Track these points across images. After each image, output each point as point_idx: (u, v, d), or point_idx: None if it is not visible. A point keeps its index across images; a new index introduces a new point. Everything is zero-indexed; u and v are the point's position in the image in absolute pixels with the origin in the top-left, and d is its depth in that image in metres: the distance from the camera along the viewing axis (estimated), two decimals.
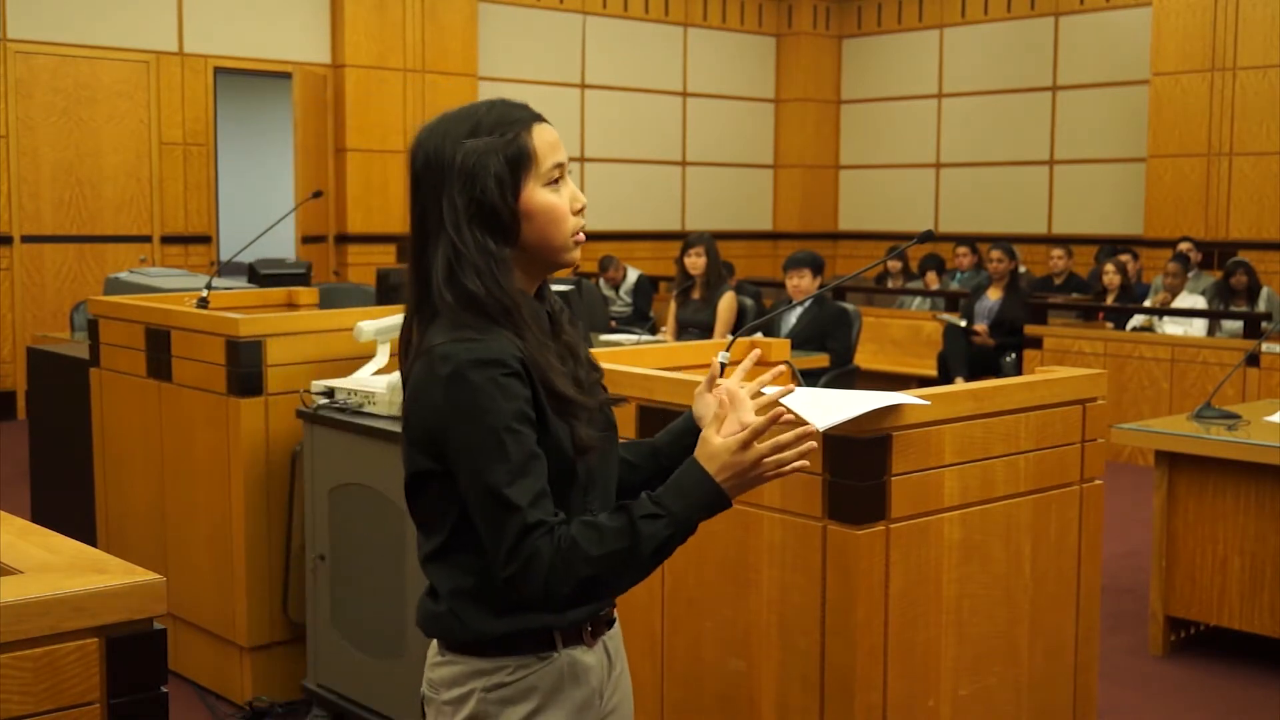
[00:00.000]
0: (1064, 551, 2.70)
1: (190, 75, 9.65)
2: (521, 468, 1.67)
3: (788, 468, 1.73)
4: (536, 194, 1.76)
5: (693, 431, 1.90)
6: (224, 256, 9.78)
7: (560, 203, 1.78)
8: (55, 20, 9.04)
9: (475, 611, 1.79)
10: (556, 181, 1.78)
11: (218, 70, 9.81)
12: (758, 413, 1.79)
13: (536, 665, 1.80)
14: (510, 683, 1.80)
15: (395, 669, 3.45)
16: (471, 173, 1.73)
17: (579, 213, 1.80)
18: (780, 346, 3.36)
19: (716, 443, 1.72)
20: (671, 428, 1.97)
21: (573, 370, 1.80)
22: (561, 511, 1.72)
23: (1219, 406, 4.76)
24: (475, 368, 1.68)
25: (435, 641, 1.87)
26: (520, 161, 1.75)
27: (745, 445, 1.71)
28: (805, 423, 1.88)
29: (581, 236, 1.81)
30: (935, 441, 2.40)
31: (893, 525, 2.34)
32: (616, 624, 1.94)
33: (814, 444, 1.75)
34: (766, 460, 1.72)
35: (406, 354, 1.81)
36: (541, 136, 1.77)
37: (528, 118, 1.78)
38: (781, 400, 2.25)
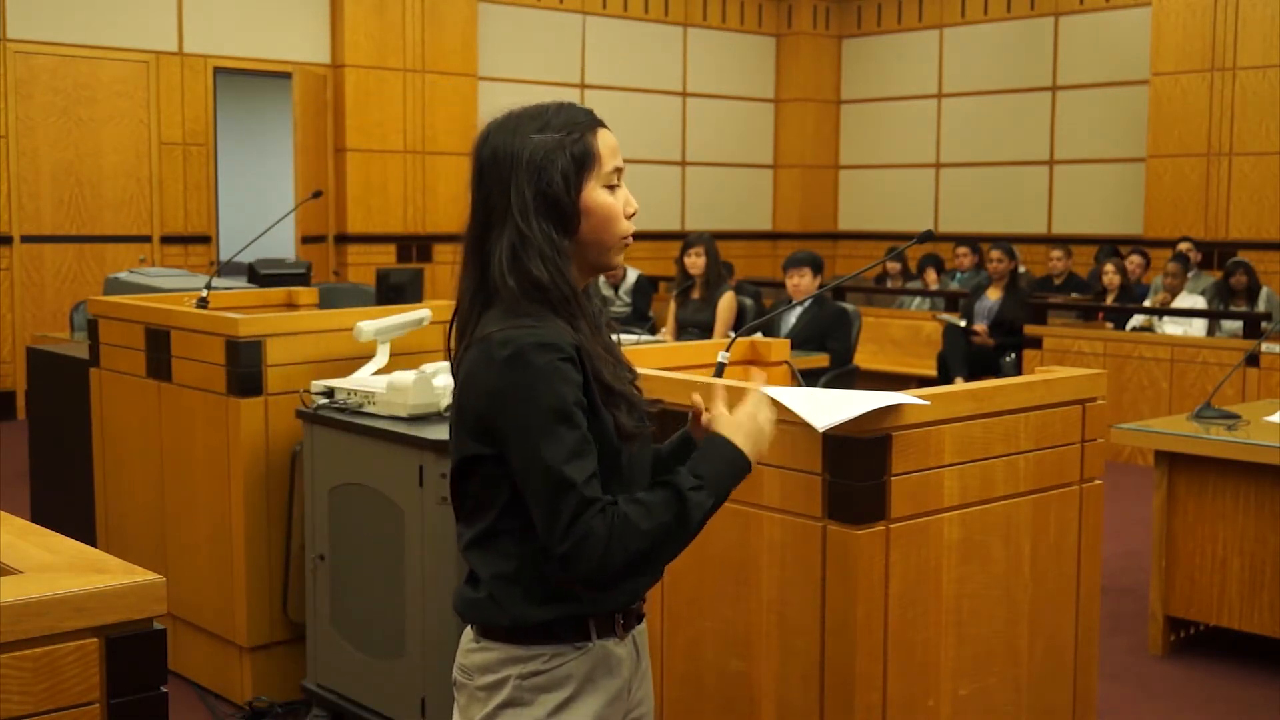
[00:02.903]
0: (1064, 551, 2.70)
1: (190, 75, 9.65)
2: (577, 448, 1.75)
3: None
4: (596, 193, 1.86)
5: (689, 442, 2.02)
6: (224, 256, 9.78)
7: (616, 204, 1.88)
8: (55, 20, 9.04)
9: (515, 597, 1.84)
10: (614, 185, 1.88)
11: (218, 70, 9.81)
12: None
13: (572, 654, 1.86)
14: (546, 670, 1.85)
15: (395, 669, 3.45)
16: (540, 165, 1.83)
17: (630, 217, 1.90)
18: (780, 346, 3.36)
19: (733, 416, 1.89)
20: (672, 440, 2.06)
21: (614, 365, 1.88)
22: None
23: (1219, 406, 4.76)
24: (536, 351, 1.75)
25: (470, 627, 1.91)
26: (585, 160, 1.85)
27: (757, 405, 1.90)
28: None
29: (629, 240, 1.90)
30: (935, 441, 2.40)
31: (893, 525, 2.34)
32: (644, 620, 1.99)
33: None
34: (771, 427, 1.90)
35: (460, 341, 1.88)
36: (605, 140, 1.88)
37: (592, 121, 1.89)
38: (781, 400, 2.27)
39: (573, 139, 1.85)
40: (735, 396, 1.98)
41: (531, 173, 1.83)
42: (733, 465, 1.86)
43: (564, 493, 1.74)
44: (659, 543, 1.78)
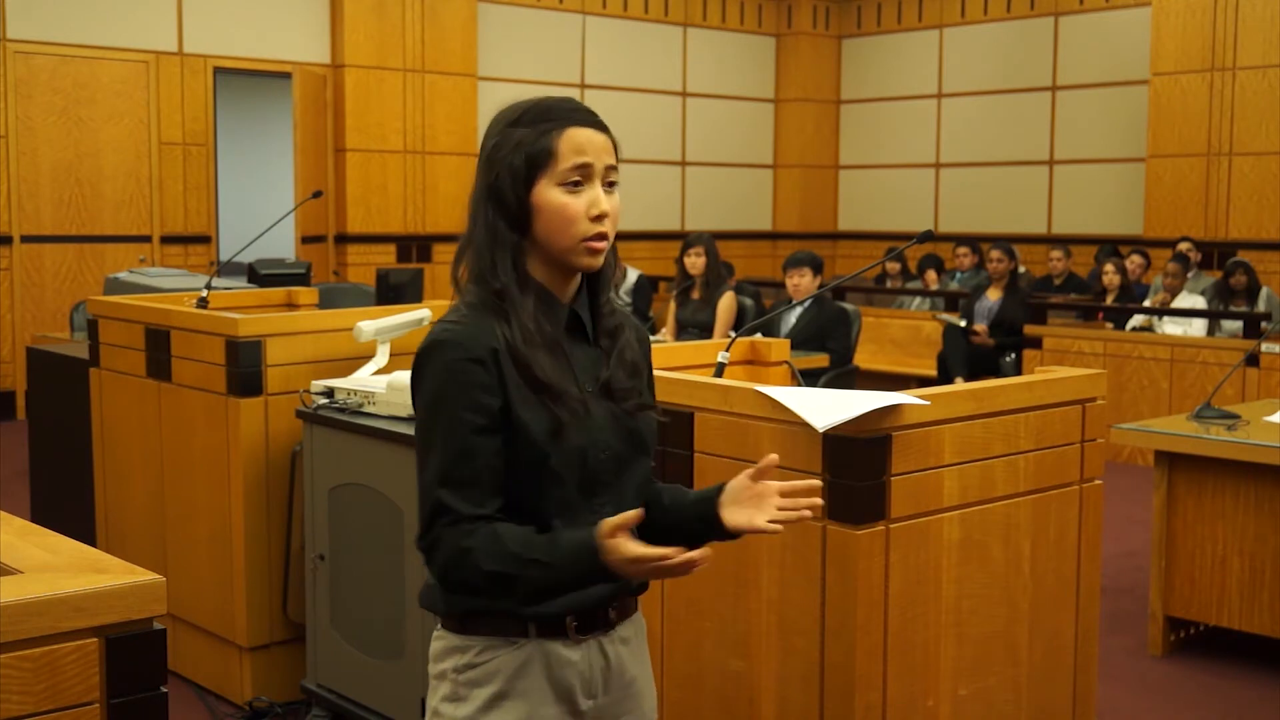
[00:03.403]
0: (1063, 551, 2.70)
1: (190, 75, 9.65)
2: (451, 452, 1.76)
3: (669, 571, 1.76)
4: (548, 192, 1.81)
5: (711, 501, 1.89)
6: (224, 256, 9.77)
7: (572, 204, 1.80)
8: (55, 20, 9.04)
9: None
10: (577, 184, 1.81)
11: (217, 70, 9.81)
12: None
13: (505, 649, 1.83)
14: (479, 664, 1.84)
15: (395, 669, 3.45)
16: (494, 159, 1.83)
17: (597, 219, 1.81)
18: (780, 346, 3.36)
19: (620, 544, 1.71)
20: (703, 492, 1.95)
21: (567, 369, 1.82)
22: (530, 501, 1.78)
23: (1218, 406, 4.76)
24: (442, 349, 1.77)
25: None
26: (538, 158, 1.80)
27: (640, 561, 1.71)
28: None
29: (599, 245, 1.82)
30: (935, 441, 2.40)
31: (892, 525, 2.34)
32: (633, 632, 1.94)
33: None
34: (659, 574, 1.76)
35: None
36: (571, 138, 1.81)
37: (567, 118, 1.83)
38: (780, 399, 2.26)
39: (534, 136, 1.81)
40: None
41: (488, 167, 1.83)
42: (591, 570, 1.74)
43: (426, 495, 1.77)
44: (494, 586, 1.76)
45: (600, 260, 1.84)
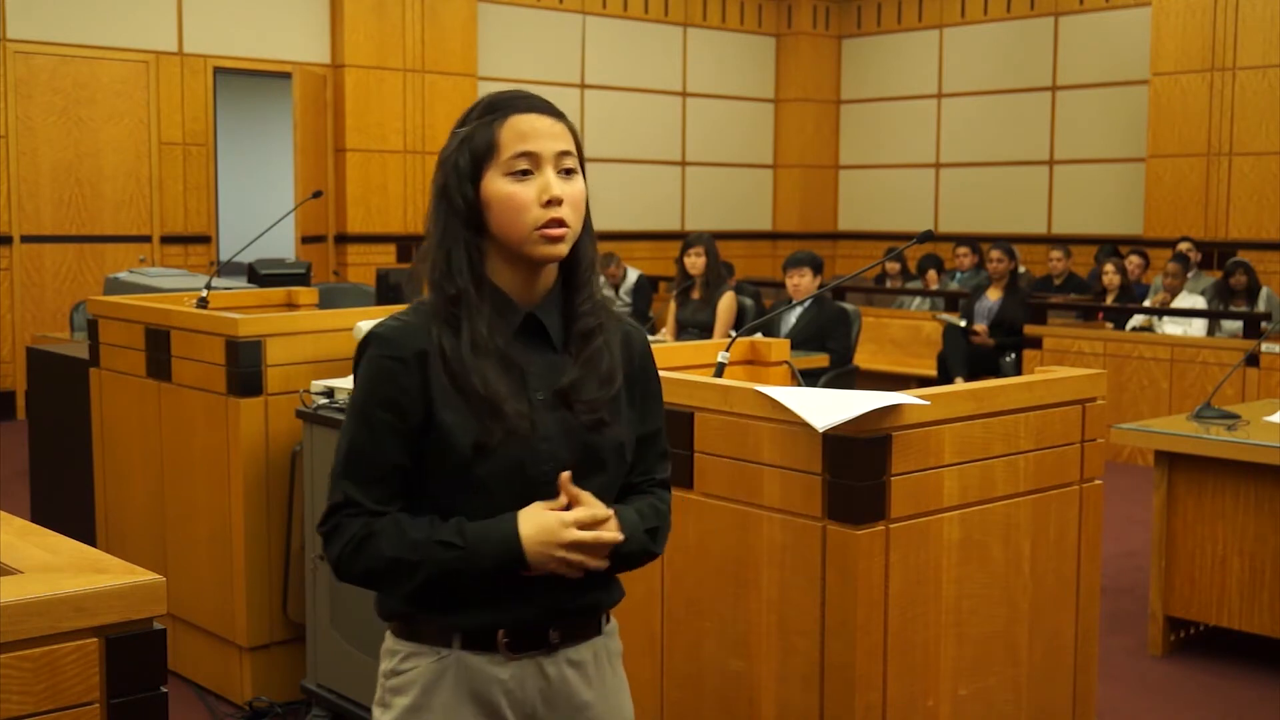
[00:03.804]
0: (1063, 551, 2.70)
1: (190, 75, 9.65)
2: (361, 447, 1.75)
3: (574, 565, 1.72)
4: (494, 183, 1.75)
5: None
6: (224, 256, 9.77)
7: (519, 193, 1.74)
8: (55, 20, 9.04)
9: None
10: (524, 172, 1.74)
11: (217, 70, 9.81)
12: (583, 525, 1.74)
13: (426, 659, 1.78)
14: (401, 671, 1.80)
15: None
16: (442, 161, 1.79)
17: (549, 205, 1.73)
18: (780, 346, 3.36)
19: (544, 513, 1.71)
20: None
21: (517, 380, 1.74)
22: (455, 509, 1.73)
23: (1218, 406, 4.76)
24: (371, 343, 1.77)
25: None
26: (483, 150, 1.75)
27: (569, 524, 1.71)
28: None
29: (555, 231, 1.73)
30: (935, 441, 2.40)
31: (892, 525, 2.34)
32: (590, 656, 1.84)
33: (603, 564, 1.75)
34: (573, 555, 1.71)
35: None
36: (514, 126, 1.75)
37: (511, 107, 1.77)
38: (780, 399, 2.24)
39: (478, 129, 1.76)
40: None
41: (438, 168, 1.80)
42: (504, 552, 1.70)
43: (333, 485, 1.77)
44: (394, 573, 1.72)
45: (560, 249, 1.75)
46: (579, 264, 1.81)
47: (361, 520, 1.74)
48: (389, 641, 1.83)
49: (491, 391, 1.72)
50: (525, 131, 1.75)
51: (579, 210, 1.77)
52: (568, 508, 1.73)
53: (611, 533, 1.74)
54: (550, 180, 1.74)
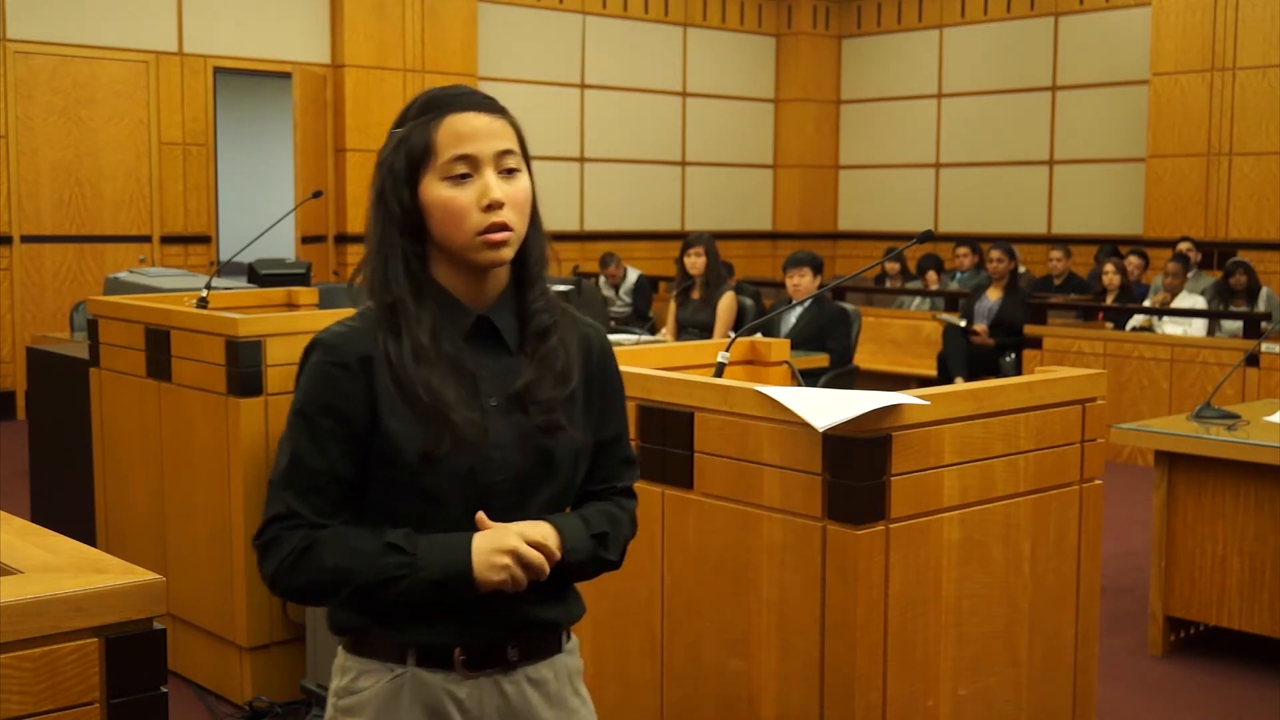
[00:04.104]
0: (1063, 551, 2.70)
1: (190, 75, 9.65)
2: (302, 455, 1.68)
3: (515, 574, 1.66)
4: (432, 188, 1.68)
5: None
6: (224, 256, 9.78)
7: (457, 198, 1.66)
8: (55, 20, 9.04)
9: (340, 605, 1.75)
10: (464, 176, 1.67)
11: (217, 70, 9.81)
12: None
13: (381, 676, 1.71)
14: (354, 691, 1.73)
15: None
16: (378, 165, 1.73)
17: (490, 209, 1.66)
18: (780, 346, 3.36)
19: (503, 526, 1.68)
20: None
21: (468, 386, 1.69)
22: (405, 521, 1.67)
23: (1218, 406, 4.76)
24: (314, 349, 1.71)
25: None
26: (417, 154, 1.68)
27: (513, 535, 1.66)
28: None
29: (497, 236, 1.67)
30: (935, 441, 2.40)
31: (892, 525, 2.34)
32: (552, 675, 1.78)
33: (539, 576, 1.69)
34: (516, 569, 1.66)
35: None
36: (450, 127, 1.68)
37: (448, 105, 1.70)
38: (781, 400, 2.23)
39: (413, 131, 1.69)
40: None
41: (375, 173, 1.73)
42: (452, 565, 1.65)
43: (273, 493, 1.69)
44: (334, 583, 1.66)
45: (504, 253, 1.68)
46: (528, 262, 1.74)
47: (301, 532, 1.67)
48: (340, 658, 1.76)
49: (437, 399, 1.65)
50: (462, 133, 1.67)
51: (522, 211, 1.70)
52: None
53: (552, 550, 1.69)
54: (490, 183, 1.67)
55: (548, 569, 1.69)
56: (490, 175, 1.68)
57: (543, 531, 1.70)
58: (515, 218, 1.69)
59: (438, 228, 1.69)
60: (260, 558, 1.69)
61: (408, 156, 1.69)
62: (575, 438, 1.74)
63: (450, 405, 1.66)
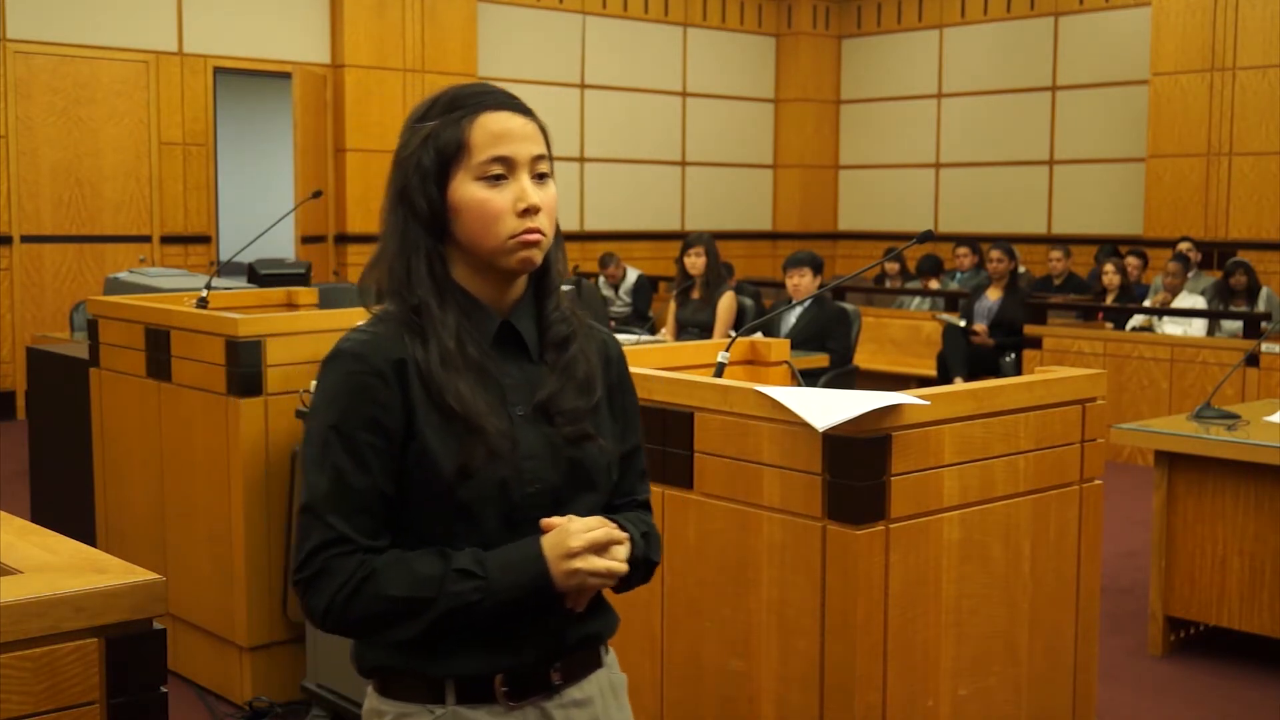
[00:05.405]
0: (1063, 551, 2.70)
1: (190, 75, 9.65)
2: (344, 474, 1.56)
3: (597, 577, 1.60)
4: (464, 188, 1.61)
5: None
6: (224, 256, 9.78)
7: (493, 200, 1.60)
8: (55, 20, 9.04)
9: (370, 641, 1.64)
10: (498, 177, 1.61)
11: (217, 70, 9.81)
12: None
13: (419, 718, 1.62)
14: None
15: None
16: (401, 159, 1.64)
17: (525, 214, 1.61)
18: (780, 346, 3.36)
19: (571, 531, 1.59)
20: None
21: (495, 394, 1.62)
22: (438, 538, 1.59)
23: (1218, 406, 4.76)
24: (338, 360, 1.60)
25: None
26: (450, 150, 1.61)
27: (575, 533, 1.58)
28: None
29: (531, 238, 1.61)
30: (935, 441, 2.40)
31: (892, 525, 2.34)
32: (596, 692, 1.71)
33: (623, 566, 1.63)
34: (595, 564, 1.59)
35: None
36: (485, 126, 1.61)
37: (480, 103, 1.63)
38: (780, 399, 2.21)
39: (443, 127, 1.61)
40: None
41: (395, 167, 1.64)
42: (529, 579, 1.57)
43: (313, 519, 1.57)
44: (401, 615, 1.55)
45: (536, 258, 1.62)
46: (549, 270, 1.68)
47: (356, 559, 1.55)
48: (373, 700, 1.66)
49: (469, 409, 1.58)
50: (499, 133, 1.61)
51: (553, 217, 1.65)
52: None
53: (619, 532, 1.62)
54: (526, 186, 1.61)
55: (623, 555, 1.62)
56: (526, 179, 1.62)
57: (602, 524, 1.62)
58: (547, 224, 1.63)
59: (468, 229, 1.61)
60: (305, 592, 1.57)
61: (438, 153, 1.61)
62: (605, 447, 1.69)
63: (482, 414, 1.59)
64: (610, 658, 1.76)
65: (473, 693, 1.61)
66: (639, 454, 1.79)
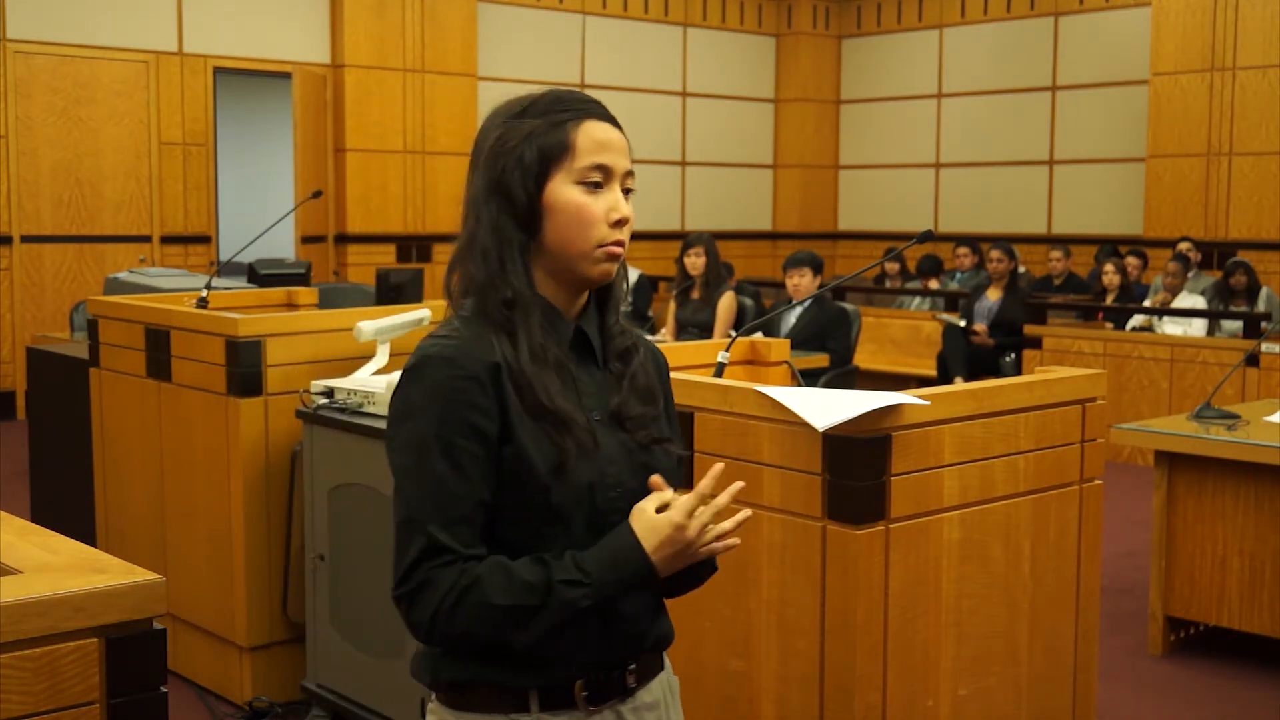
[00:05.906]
0: (1063, 551, 2.70)
1: (190, 75, 9.65)
2: (444, 483, 1.54)
3: (721, 544, 1.60)
4: (563, 190, 1.61)
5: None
6: (224, 256, 9.78)
7: (590, 205, 1.61)
8: (55, 20, 9.04)
9: (435, 651, 1.63)
10: (597, 185, 1.62)
11: (217, 70, 9.81)
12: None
13: None
14: None
15: (395, 669, 3.45)
16: (499, 152, 1.63)
17: (617, 225, 1.62)
18: (780, 346, 3.36)
19: (656, 516, 1.57)
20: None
21: (574, 395, 1.63)
22: (528, 546, 1.57)
23: (1218, 406, 4.76)
24: (429, 366, 1.57)
25: None
26: (553, 151, 1.61)
27: (688, 514, 1.56)
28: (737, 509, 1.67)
29: (617, 250, 1.62)
30: (935, 441, 2.40)
31: (892, 525, 2.34)
32: (661, 695, 1.72)
33: (744, 520, 1.62)
34: (708, 529, 1.58)
35: None
36: (589, 133, 1.62)
37: (586, 110, 1.65)
38: (781, 400, 2.21)
39: (547, 127, 1.62)
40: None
41: (491, 159, 1.63)
42: (634, 573, 1.56)
43: (412, 531, 1.55)
44: (509, 624, 1.53)
45: (613, 271, 1.65)
46: (617, 282, 1.70)
47: (456, 568, 1.53)
48: (444, 714, 1.63)
49: (558, 406, 1.58)
50: (603, 141, 1.63)
51: (629, 233, 1.67)
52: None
53: (727, 495, 1.60)
54: (620, 198, 1.63)
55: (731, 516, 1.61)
56: (618, 191, 1.64)
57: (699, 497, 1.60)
58: (627, 239, 1.66)
59: (560, 230, 1.61)
60: (409, 605, 1.55)
61: (540, 151, 1.61)
62: (672, 451, 1.70)
63: (570, 412, 1.59)
64: (667, 662, 1.78)
65: (555, 699, 1.61)
66: (682, 464, 1.81)
